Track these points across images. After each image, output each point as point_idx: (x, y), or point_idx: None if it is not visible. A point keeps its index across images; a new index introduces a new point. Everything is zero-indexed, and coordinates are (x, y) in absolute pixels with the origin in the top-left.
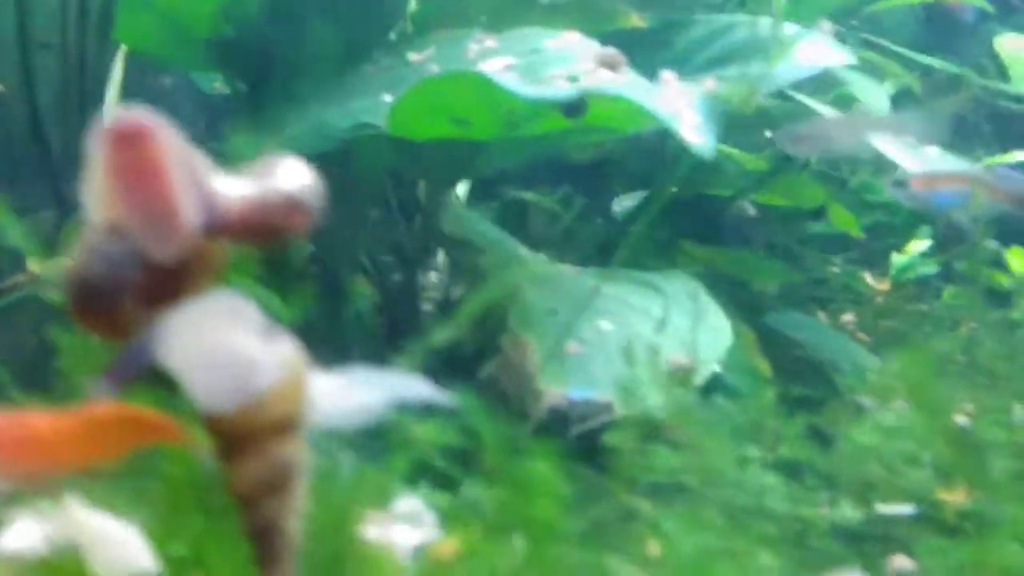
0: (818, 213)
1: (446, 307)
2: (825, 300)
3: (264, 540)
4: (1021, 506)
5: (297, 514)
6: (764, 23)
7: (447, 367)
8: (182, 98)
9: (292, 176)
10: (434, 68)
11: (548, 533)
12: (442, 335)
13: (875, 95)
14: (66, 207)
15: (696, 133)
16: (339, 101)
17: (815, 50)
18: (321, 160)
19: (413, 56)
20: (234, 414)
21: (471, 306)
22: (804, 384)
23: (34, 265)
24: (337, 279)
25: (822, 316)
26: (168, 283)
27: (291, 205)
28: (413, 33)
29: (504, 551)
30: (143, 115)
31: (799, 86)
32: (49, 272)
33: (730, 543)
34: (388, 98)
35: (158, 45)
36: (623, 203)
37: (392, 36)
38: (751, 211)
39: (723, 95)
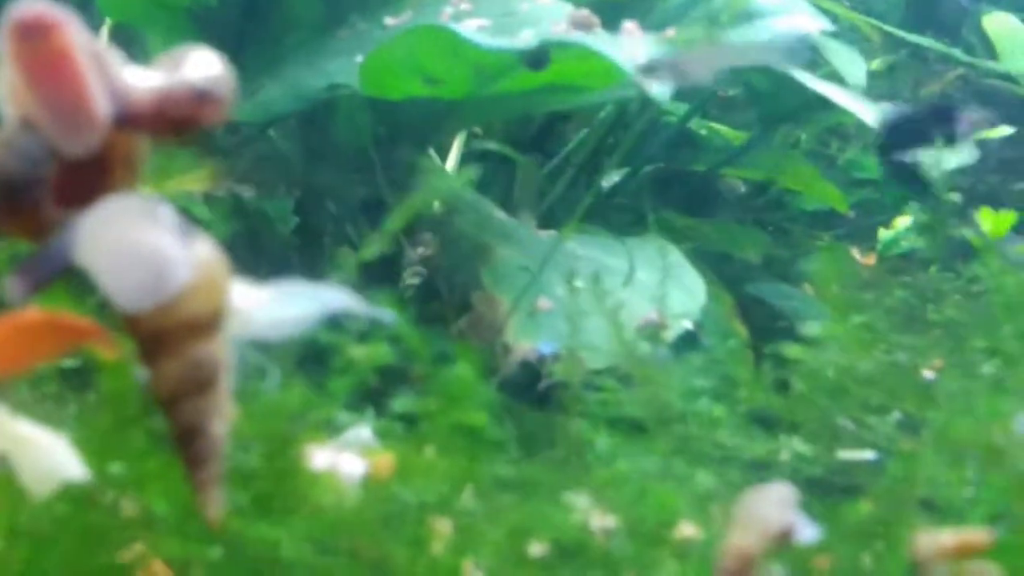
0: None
1: (431, 279)
2: (811, 274)
3: (188, 442)
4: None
5: (222, 417)
6: None
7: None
8: None
9: (202, 67)
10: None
11: (481, 442)
12: (372, 248)
13: (854, 65)
14: None
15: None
16: (314, 63)
17: (790, 17)
18: (303, 128)
19: (389, 20)
20: (150, 312)
21: (400, 215)
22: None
23: None
24: (321, 250)
25: (808, 288)
26: (84, 179)
27: (201, 96)
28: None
29: (441, 465)
30: (48, 7)
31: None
32: None
33: (674, 468)
34: (361, 59)
35: (139, 15)
36: (611, 179)
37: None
38: (741, 188)
39: (680, 41)
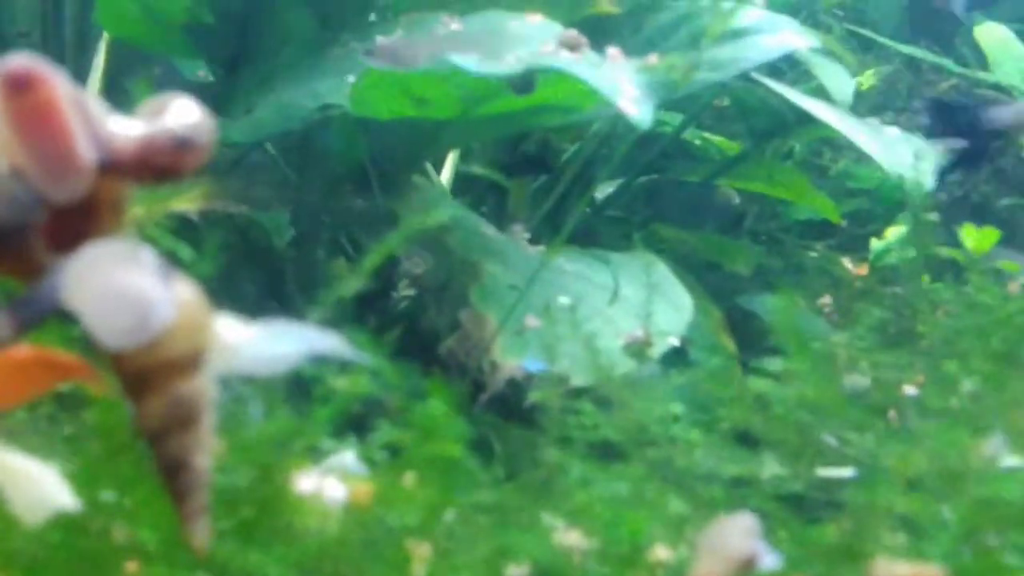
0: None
1: (423, 293)
2: (803, 285)
3: (173, 476)
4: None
5: (206, 450)
6: (726, 7)
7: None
8: (169, 86)
9: (182, 115)
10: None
11: (459, 473)
12: (351, 285)
13: (840, 81)
14: None
15: (634, 105)
16: (305, 83)
17: (778, 34)
18: (298, 143)
19: (381, 39)
20: (134, 352)
21: (381, 250)
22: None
23: None
24: (315, 262)
25: (800, 300)
26: (71, 224)
27: (181, 143)
28: (385, 17)
29: (419, 494)
30: (32, 61)
31: (779, 74)
32: None
33: (649, 495)
34: (352, 79)
35: (137, 31)
36: (605, 190)
37: (371, 19)
38: (735, 198)
39: (662, 68)
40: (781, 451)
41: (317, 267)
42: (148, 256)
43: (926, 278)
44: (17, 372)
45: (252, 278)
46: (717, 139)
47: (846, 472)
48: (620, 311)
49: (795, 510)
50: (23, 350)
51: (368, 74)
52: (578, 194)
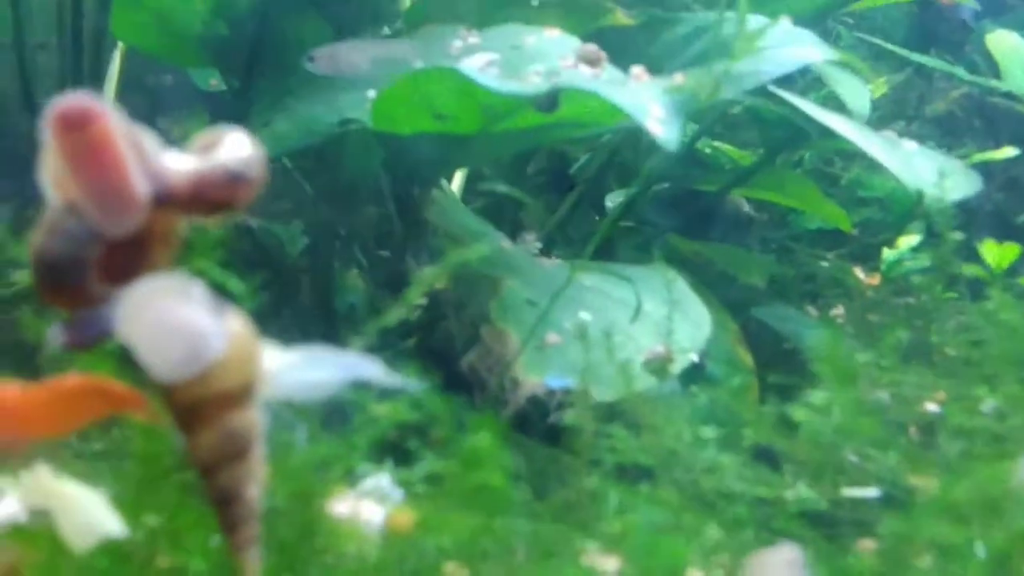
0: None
1: (439, 305)
2: (815, 295)
3: (225, 507)
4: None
5: (256, 481)
6: (753, 20)
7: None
8: (182, 96)
9: (235, 150)
10: (418, 64)
11: (500, 503)
12: (394, 315)
13: (857, 94)
14: None
15: (660, 125)
16: (325, 97)
17: (795, 47)
18: (314, 156)
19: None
20: (186, 384)
21: (422, 284)
22: (787, 375)
23: None
24: (330, 272)
25: (812, 310)
26: (126, 257)
27: (233, 179)
28: (403, 30)
29: (460, 521)
30: (87, 99)
31: (789, 82)
32: None
33: (682, 520)
34: (372, 93)
35: (153, 43)
36: (616, 198)
37: (386, 32)
38: (746, 208)
39: (688, 88)
40: (805, 470)
41: (331, 277)
42: (199, 290)
43: (939, 288)
44: (70, 400)
45: (265, 287)
46: (727, 148)
47: (871, 492)
48: (641, 327)
49: (819, 528)
50: (76, 379)
51: (391, 89)
52: (590, 204)
